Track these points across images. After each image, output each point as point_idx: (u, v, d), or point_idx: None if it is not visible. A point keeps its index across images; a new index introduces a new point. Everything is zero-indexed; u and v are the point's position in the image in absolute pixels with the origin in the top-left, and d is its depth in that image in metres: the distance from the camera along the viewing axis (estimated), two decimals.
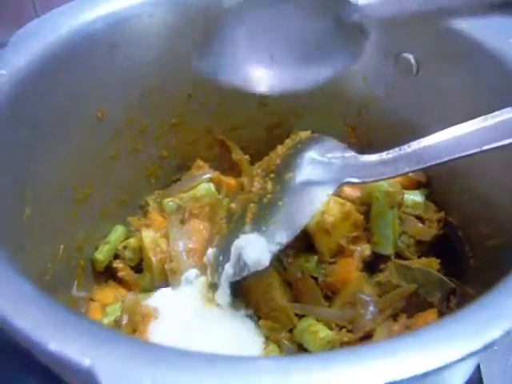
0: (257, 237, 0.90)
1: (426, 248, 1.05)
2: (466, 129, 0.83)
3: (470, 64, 0.96)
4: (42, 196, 0.91)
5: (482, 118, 0.82)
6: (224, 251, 0.95)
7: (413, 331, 0.57)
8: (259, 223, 0.91)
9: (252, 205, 0.95)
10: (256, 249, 0.89)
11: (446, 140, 0.85)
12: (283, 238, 0.88)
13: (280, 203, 0.91)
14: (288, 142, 1.03)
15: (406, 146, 0.88)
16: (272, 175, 0.96)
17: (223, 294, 0.95)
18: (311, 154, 0.94)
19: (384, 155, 0.90)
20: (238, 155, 1.19)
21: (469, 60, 0.96)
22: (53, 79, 0.93)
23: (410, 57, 1.04)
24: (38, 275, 0.90)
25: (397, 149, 0.89)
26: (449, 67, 1.00)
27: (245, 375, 0.51)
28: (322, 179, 0.91)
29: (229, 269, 0.92)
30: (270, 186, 0.94)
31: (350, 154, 0.93)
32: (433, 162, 0.84)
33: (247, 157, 1.19)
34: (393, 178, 0.91)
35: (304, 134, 1.03)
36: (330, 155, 0.93)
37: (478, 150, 0.79)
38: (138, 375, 0.50)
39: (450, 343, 0.54)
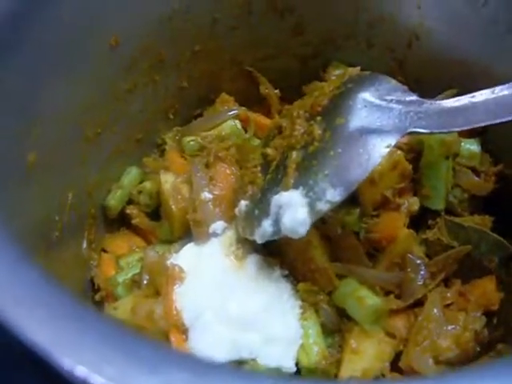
0: (300, 199, 0.77)
1: (479, 204, 0.95)
2: None
3: None
4: (48, 136, 0.79)
5: None
6: (260, 205, 0.83)
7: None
8: (305, 176, 0.79)
9: (294, 152, 0.82)
10: (295, 216, 0.77)
11: None
12: (335, 196, 0.76)
13: (331, 153, 0.78)
14: (334, 79, 0.89)
15: (478, 94, 0.76)
16: (318, 118, 0.83)
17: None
18: (366, 95, 0.81)
19: (453, 102, 0.78)
20: (266, 88, 1.06)
21: None
22: (60, 2, 0.78)
23: None
24: (46, 231, 0.79)
25: (468, 96, 0.77)
26: None
27: None
28: (380, 127, 0.78)
29: (267, 227, 0.81)
30: (317, 131, 0.81)
31: (413, 97, 0.80)
32: None
33: (277, 91, 1.06)
34: (464, 130, 0.79)
35: (353, 71, 0.89)
36: (388, 98, 0.81)
37: None
38: None
39: None
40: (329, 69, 1.02)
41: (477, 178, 0.94)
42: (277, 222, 0.80)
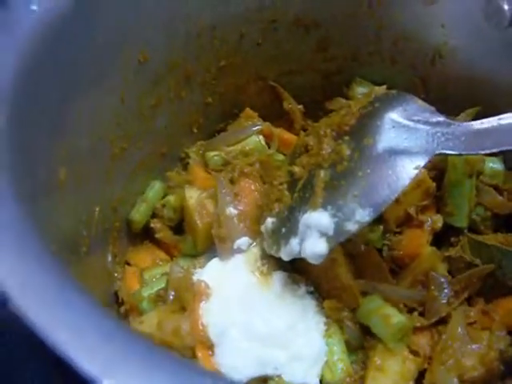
0: (328, 220, 0.78)
1: (502, 223, 0.95)
2: None
3: None
4: (77, 151, 0.80)
5: None
6: (287, 223, 0.84)
7: None
8: (334, 196, 0.79)
9: (322, 172, 0.83)
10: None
11: None
12: (364, 216, 0.76)
13: (360, 174, 0.79)
14: (361, 98, 0.90)
15: (505, 115, 0.77)
16: (347, 138, 0.83)
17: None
18: (393, 115, 0.82)
19: (480, 124, 0.79)
20: (290, 104, 1.06)
21: None
22: (92, 16, 0.79)
23: (503, 3, 0.89)
24: (74, 246, 0.80)
25: (496, 118, 0.78)
26: None
27: None
28: (408, 148, 0.79)
29: (294, 245, 0.81)
30: (345, 151, 0.82)
31: (440, 118, 0.81)
32: None
33: (301, 106, 1.06)
34: (494, 153, 0.79)
35: (379, 90, 0.89)
36: (415, 118, 0.81)
37: None
38: None
39: None
40: (352, 85, 1.03)
41: (500, 197, 0.94)
42: (302, 242, 0.80)
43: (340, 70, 1.05)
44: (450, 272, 0.91)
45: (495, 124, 0.77)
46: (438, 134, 0.79)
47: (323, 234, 0.78)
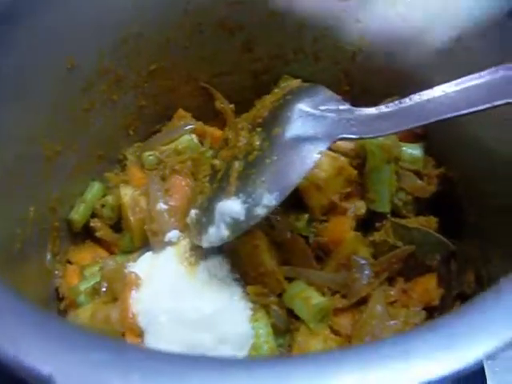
0: (239, 206, 0.83)
1: (423, 206, 0.99)
2: (475, 81, 0.75)
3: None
4: (7, 154, 0.83)
5: (493, 69, 0.74)
6: (207, 213, 0.88)
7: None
8: (245, 184, 0.84)
9: (237, 162, 0.87)
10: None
11: (451, 93, 0.78)
12: (271, 200, 0.80)
13: (268, 161, 0.83)
14: (276, 91, 0.94)
15: (407, 99, 0.81)
16: (259, 129, 0.88)
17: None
18: (302, 106, 0.86)
19: (383, 108, 0.82)
20: (221, 103, 1.11)
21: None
22: (15, 24, 0.83)
23: None
24: (6, 243, 0.83)
25: (396, 102, 0.82)
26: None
27: None
28: (314, 134, 0.83)
29: (212, 233, 0.85)
30: (256, 141, 0.86)
31: (345, 106, 0.85)
32: (437, 118, 0.77)
33: (232, 106, 1.11)
34: (391, 134, 0.83)
35: (294, 83, 0.94)
36: (323, 107, 0.85)
37: (489, 105, 0.72)
38: None
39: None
40: (279, 83, 1.07)
41: (420, 181, 0.98)
42: (220, 229, 0.85)
43: (267, 69, 1.09)
44: (375, 256, 0.95)
45: (395, 108, 0.81)
46: (343, 121, 0.83)
47: (235, 220, 0.82)
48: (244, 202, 0.82)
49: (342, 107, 0.85)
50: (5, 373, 0.53)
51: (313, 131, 0.83)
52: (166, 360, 0.48)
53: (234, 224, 0.83)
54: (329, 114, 0.84)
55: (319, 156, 0.81)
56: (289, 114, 0.86)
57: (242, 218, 0.82)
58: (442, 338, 0.48)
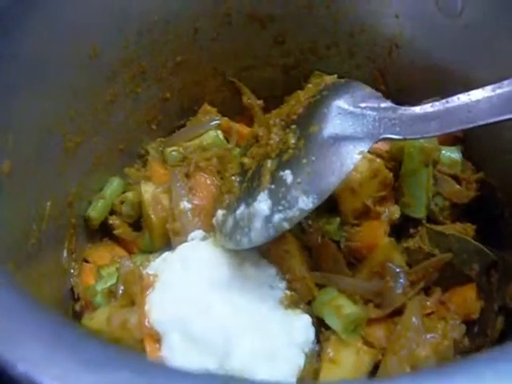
0: (269, 209, 0.77)
1: (461, 212, 0.94)
2: None
3: None
4: (25, 144, 0.80)
5: None
6: (235, 214, 0.83)
7: None
8: (278, 185, 0.78)
9: (269, 161, 0.82)
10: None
11: (503, 93, 0.72)
12: (308, 204, 0.75)
13: (304, 161, 0.78)
14: (310, 87, 0.89)
15: (454, 98, 0.76)
16: (293, 127, 0.83)
17: None
18: (340, 102, 0.81)
19: (428, 108, 0.77)
20: (249, 99, 1.06)
21: None
22: (37, 9, 0.79)
23: None
24: (21, 239, 0.79)
25: (443, 101, 0.77)
26: (498, 7, 0.86)
27: None
28: (353, 134, 0.78)
29: (240, 236, 0.81)
30: (291, 139, 0.81)
31: (387, 104, 0.80)
32: (488, 120, 0.72)
33: (260, 102, 1.06)
34: (438, 136, 0.78)
35: (329, 79, 0.89)
36: (362, 105, 0.80)
37: None
38: None
39: None
40: (310, 79, 1.02)
41: (458, 186, 0.93)
42: (249, 232, 0.80)
43: (298, 64, 1.05)
44: (409, 263, 0.90)
45: (441, 108, 0.76)
46: (385, 120, 0.78)
47: (268, 223, 0.77)
48: (277, 204, 0.77)
49: (383, 105, 0.80)
50: None
51: (352, 130, 0.78)
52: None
53: (266, 228, 0.78)
54: (369, 112, 0.79)
55: (360, 157, 0.76)
56: (326, 110, 0.81)
57: (275, 221, 0.77)
58: None
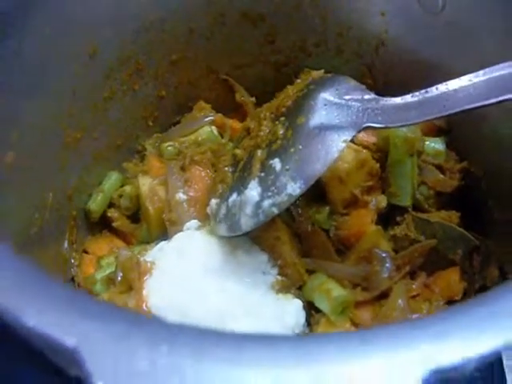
0: (259, 195, 0.81)
1: (445, 200, 0.97)
2: (503, 71, 0.74)
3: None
4: (28, 138, 0.83)
5: None
6: (228, 202, 0.87)
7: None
8: (268, 173, 0.82)
9: (259, 151, 0.86)
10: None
11: (479, 82, 0.76)
12: (295, 189, 0.79)
13: (292, 150, 0.82)
14: (299, 82, 0.93)
15: (433, 89, 0.80)
16: (282, 119, 0.87)
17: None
18: (326, 95, 0.85)
19: (409, 98, 0.81)
20: (242, 96, 1.10)
21: None
22: (37, 10, 0.83)
23: None
24: (24, 227, 0.83)
25: (423, 91, 0.81)
26: (479, 4, 0.90)
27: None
28: (338, 124, 0.82)
29: (233, 223, 0.85)
30: (280, 130, 0.85)
31: (370, 95, 0.84)
32: (463, 108, 0.76)
33: (253, 98, 1.10)
34: (418, 123, 0.82)
35: (317, 74, 0.93)
36: (347, 97, 0.84)
37: None
38: (133, 358, 0.42)
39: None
40: (300, 75, 1.06)
41: (442, 176, 0.96)
42: (241, 218, 0.84)
43: (288, 61, 1.09)
44: (396, 250, 0.93)
45: (420, 98, 0.80)
46: (368, 110, 0.82)
47: (258, 208, 0.81)
48: (266, 191, 0.81)
49: (366, 96, 0.84)
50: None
51: (337, 120, 0.82)
52: (193, 333, 0.47)
53: (256, 213, 0.82)
54: (353, 103, 0.83)
55: (344, 145, 0.80)
56: (312, 102, 0.85)
57: (265, 207, 0.81)
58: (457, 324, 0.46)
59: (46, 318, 0.46)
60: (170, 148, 1.02)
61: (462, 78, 0.78)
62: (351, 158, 0.92)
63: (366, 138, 0.96)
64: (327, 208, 0.95)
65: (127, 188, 1.02)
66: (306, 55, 1.07)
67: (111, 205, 1.03)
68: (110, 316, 0.47)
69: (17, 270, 0.51)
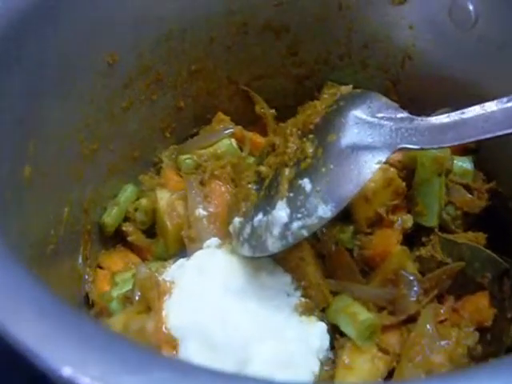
0: (288, 216, 0.78)
1: (471, 221, 0.95)
2: None
3: None
4: (45, 150, 0.80)
5: None
6: (252, 222, 0.84)
7: None
8: (297, 193, 0.79)
9: (287, 170, 0.83)
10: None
11: None
12: (326, 212, 0.77)
13: (323, 169, 0.79)
14: (327, 97, 0.90)
15: (470, 109, 0.77)
16: (311, 136, 0.84)
17: None
18: (357, 112, 0.82)
19: (444, 118, 0.79)
20: (262, 108, 1.07)
21: None
22: (58, 18, 0.80)
23: (468, 4, 0.90)
24: (41, 245, 0.80)
25: (458, 112, 0.78)
26: None
27: None
28: (372, 143, 0.79)
29: (257, 244, 0.82)
30: (309, 148, 0.82)
31: (404, 114, 0.81)
32: (503, 132, 0.73)
33: (273, 111, 1.07)
34: (455, 146, 0.80)
35: (345, 89, 0.90)
36: (379, 115, 0.81)
37: None
38: None
39: None
40: (323, 89, 1.04)
41: (470, 196, 0.94)
42: (266, 240, 0.81)
43: (311, 74, 1.06)
44: (421, 272, 0.91)
45: (457, 118, 0.77)
46: (402, 130, 0.79)
47: (286, 230, 0.78)
48: (295, 212, 0.78)
49: (400, 115, 0.81)
50: None
51: (370, 139, 0.79)
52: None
53: (284, 235, 0.79)
54: (386, 122, 0.81)
55: (378, 166, 0.77)
56: (343, 120, 0.82)
57: (293, 229, 0.78)
58: None
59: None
60: (188, 161, 0.99)
61: (501, 99, 0.75)
62: (378, 176, 0.89)
63: (392, 155, 0.93)
64: (351, 227, 0.92)
65: (143, 201, 0.99)
66: (329, 68, 1.04)
67: (126, 218, 0.99)
68: (148, 363, 0.44)
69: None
